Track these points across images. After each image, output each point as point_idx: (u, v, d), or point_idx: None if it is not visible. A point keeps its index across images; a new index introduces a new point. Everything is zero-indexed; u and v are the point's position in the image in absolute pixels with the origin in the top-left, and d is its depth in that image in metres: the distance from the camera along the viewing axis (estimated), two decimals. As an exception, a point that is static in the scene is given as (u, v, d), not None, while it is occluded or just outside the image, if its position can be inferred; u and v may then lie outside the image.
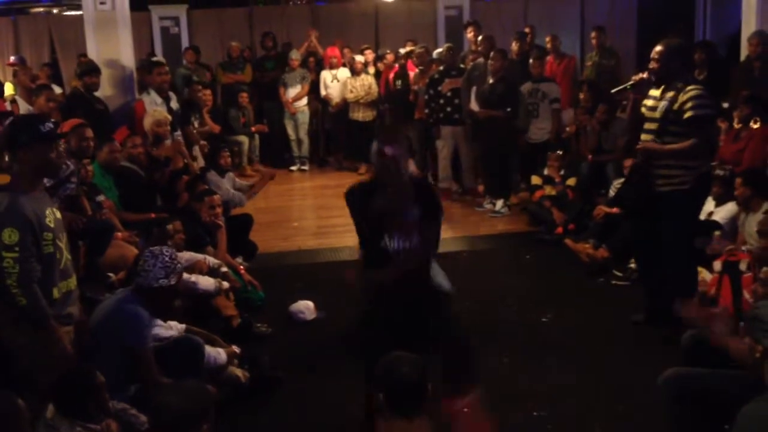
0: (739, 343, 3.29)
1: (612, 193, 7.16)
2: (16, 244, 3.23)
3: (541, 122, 8.48)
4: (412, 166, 4.55)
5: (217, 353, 4.26)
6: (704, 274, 5.45)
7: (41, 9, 13.90)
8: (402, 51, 10.69)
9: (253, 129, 10.87)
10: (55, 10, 13.88)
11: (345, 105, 10.85)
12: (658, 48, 4.86)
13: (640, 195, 4.97)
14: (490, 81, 8.33)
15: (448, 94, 8.82)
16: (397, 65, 10.35)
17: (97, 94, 7.59)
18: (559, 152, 8.04)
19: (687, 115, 4.68)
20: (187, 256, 5.35)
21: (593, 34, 9.96)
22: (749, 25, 8.38)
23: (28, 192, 3.37)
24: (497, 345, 5.07)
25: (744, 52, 8.27)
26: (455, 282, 5.01)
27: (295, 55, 10.96)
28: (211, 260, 5.46)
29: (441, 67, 9.10)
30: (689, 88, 4.73)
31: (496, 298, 5.89)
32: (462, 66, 9.21)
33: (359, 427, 3.70)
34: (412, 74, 9.98)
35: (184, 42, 12.25)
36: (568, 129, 8.41)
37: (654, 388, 3.51)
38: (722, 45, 10.45)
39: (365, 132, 10.16)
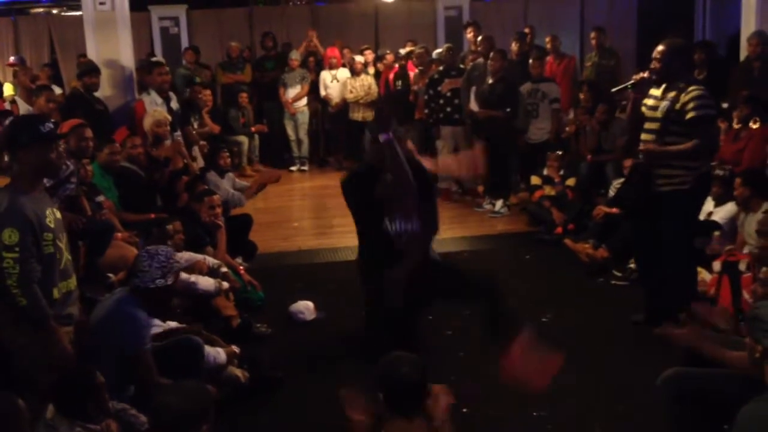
0: (733, 354, 3.28)
1: (611, 193, 7.17)
2: (17, 245, 3.23)
3: (540, 122, 8.48)
4: (410, 145, 4.58)
5: (216, 353, 4.26)
6: (704, 275, 5.45)
7: (41, 9, 13.90)
8: (402, 51, 10.70)
9: (252, 129, 10.88)
10: (54, 11, 13.89)
11: (345, 105, 10.85)
12: (660, 47, 4.85)
13: (640, 195, 4.97)
14: (490, 81, 8.33)
15: (448, 94, 8.83)
16: (397, 65, 10.36)
17: (96, 94, 7.60)
18: (559, 152, 8.04)
19: (689, 115, 4.68)
20: (186, 256, 5.34)
21: (593, 35, 9.96)
22: (749, 25, 8.39)
23: (28, 192, 3.37)
24: (496, 346, 5.05)
25: (743, 52, 8.27)
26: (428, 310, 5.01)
27: (295, 56, 10.97)
28: (211, 260, 5.46)
29: (441, 68, 9.11)
30: (691, 88, 4.73)
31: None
32: (462, 66, 9.22)
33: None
34: (412, 74, 9.98)
35: (184, 42, 12.26)
36: (567, 129, 8.42)
37: (654, 388, 3.51)
38: (722, 45, 10.46)
39: (365, 132, 10.17)
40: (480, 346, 5.06)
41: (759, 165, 6.53)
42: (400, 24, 12.93)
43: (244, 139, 10.71)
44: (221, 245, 5.92)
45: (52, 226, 3.40)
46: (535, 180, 8.05)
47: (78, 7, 10.71)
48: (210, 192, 6.21)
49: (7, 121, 5.93)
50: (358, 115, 10.65)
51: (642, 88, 5.04)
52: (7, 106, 8.16)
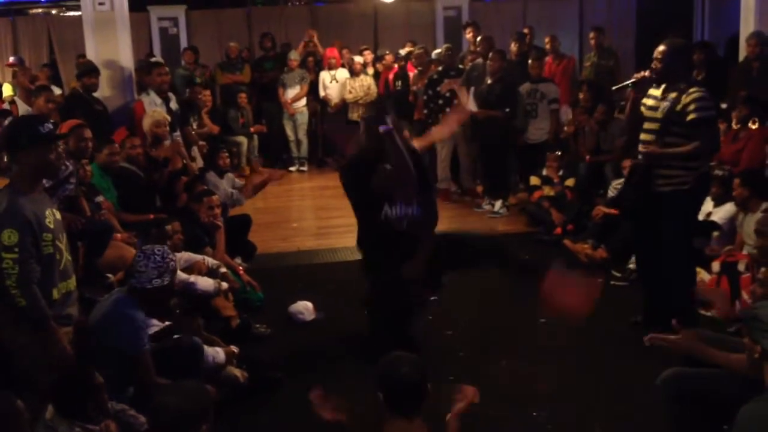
0: (731, 356, 3.29)
1: (610, 193, 7.17)
2: (16, 245, 3.23)
3: (539, 123, 8.48)
4: (406, 134, 4.64)
5: (215, 352, 4.26)
6: (703, 275, 5.45)
7: (40, 10, 13.89)
8: (402, 52, 10.70)
9: (252, 129, 10.87)
10: (53, 11, 13.88)
11: (344, 105, 10.85)
12: (661, 47, 4.85)
13: (639, 195, 4.97)
14: (489, 81, 8.34)
15: (447, 94, 8.82)
16: (396, 66, 10.35)
17: (96, 94, 7.59)
18: (558, 153, 8.05)
19: (690, 117, 4.68)
20: (185, 256, 5.35)
21: (592, 35, 9.97)
22: (747, 25, 8.40)
23: (27, 193, 3.37)
24: (496, 346, 5.07)
25: (742, 52, 8.28)
26: (454, 283, 5.06)
27: (294, 56, 10.98)
28: (210, 261, 5.45)
29: (440, 68, 9.11)
30: (692, 90, 4.73)
31: (495, 299, 5.88)
32: (461, 66, 9.22)
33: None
34: (411, 75, 9.98)
35: (183, 42, 12.27)
36: (566, 128, 8.43)
37: (653, 388, 3.51)
38: (720, 46, 10.47)
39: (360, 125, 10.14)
40: (480, 346, 5.07)
41: (758, 165, 6.53)
42: (399, 24, 12.94)
43: (243, 139, 10.71)
44: (220, 246, 5.92)
45: (51, 226, 3.40)
46: (534, 180, 8.05)
47: (77, 8, 10.72)
48: (209, 192, 6.21)
49: (6, 121, 5.94)
50: (357, 115, 10.65)
51: (642, 87, 5.04)
52: (6, 106, 8.16)
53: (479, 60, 8.86)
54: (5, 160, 4.32)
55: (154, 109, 7.26)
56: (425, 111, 9.08)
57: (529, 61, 8.73)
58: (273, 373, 4.60)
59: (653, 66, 4.90)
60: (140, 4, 11.56)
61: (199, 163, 7.80)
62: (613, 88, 5.92)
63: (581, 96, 8.44)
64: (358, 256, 5.27)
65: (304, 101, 11.01)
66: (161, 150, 6.65)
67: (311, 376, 4.69)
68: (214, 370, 4.20)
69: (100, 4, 8.23)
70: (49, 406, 3.08)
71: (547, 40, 10.08)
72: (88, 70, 7.51)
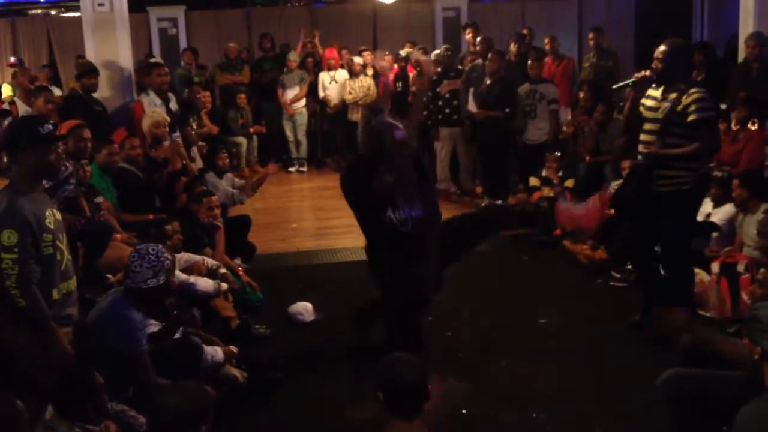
0: (731, 344, 3.29)
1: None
2: (15, 246, 3.22)
3: (538, 123, 8.47)
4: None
5: (214, 351, 4.25)
6: (702, 276, 5.45)
7: (39, 10, 13.90)
8: (402, 53, 10.70)
9: (251, 130, 10.87)
10: (53, 12, 13.88)
11: (343, 106, 10.86)
12: (662, 47, 4.85)
13: (639, 196, 4.98)
14: (488, 82, 8.34)
15: (447, 95, 8.83)
16: (397, 66, 10.35)
17: (95, 95, 7.59)
18: (557, 153, 8.05)
19: (691, 118, 4.68)
20: (185, 257, 5.35)
21: (591, 35, 9.96)
22: (747, 26, 8.40)
23: (27, 193, 3.37)
24: (496, 347, 5.07)
25: (742, 53, 8.28)
26: (454, 283, 5.06)
27: (294, 57, 10.97)
28: (210, 261, 5.45)
29: (439, 69, 9.11)
30: (693, 90, 4.73)
31: (495, 300, 5.89)
32: (460, 67, 9.22)
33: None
34: (411, 76, 9.98)
35: (182, 43, 12.27)
36: (564, 129, 8.43)
37: (653, 389, 3.51)
38: (720, 46, 10.47)
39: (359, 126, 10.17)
40: (480, 347, 5.08)
41: (757, 166, 6.54)
42: (399, 25, 12.94)
43: (242, 140, 10.70)
44: (220, 246, 5.92)
45: (51, 227, 3.40)
46: (533, 181, 8.05)
47: (76, 8, 10.73)
48: (209, 193, 6.21)
49: (6, 121, 5.95)
50: (357, 116, 10.65)
51: (642, 87, 5.05)
52: (5, 106, 8.16)
53: (479, 61, 8.86)
54: (5, 160, 4.33)
55: (153, 109, 7.26)
56: (425, 112, 9.08)
57: (529, 62, 8.73)
58: (272, 373, 4.60)
59: (654, 66, 4.90)
60: (140, 5, 11.56)
61: (199, 163, 7.80)
62: (614, 87, 5.93)
63: (581, 96, 8.44)
64: (357, 256, 5.28)
65: (303, 102, 11.01)
66: (161, 150, 6.64)
67: (311, 376, 4.70)
68: (213, 369, 4.20)
69: (100, 4, 8.23)
70: (49, 407, 3.07)
71: (546, 40, 10.08)
72: (88, 71, 7.51)
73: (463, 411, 4.18)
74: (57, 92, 9.90)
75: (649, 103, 4.98)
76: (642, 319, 5.22)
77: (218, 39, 12.68)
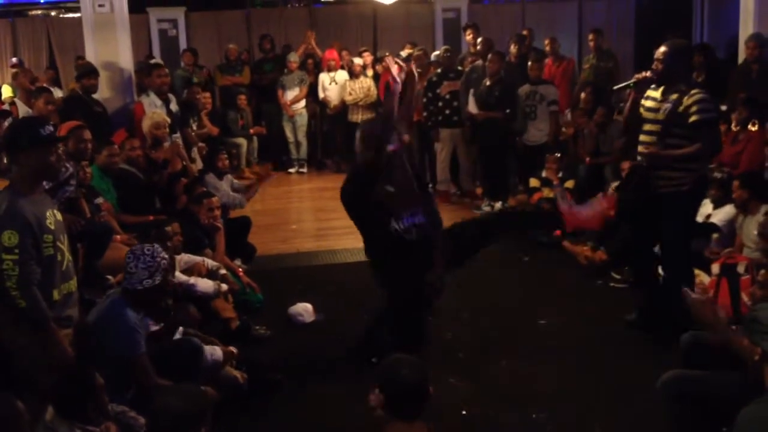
0: (740, 338, 3.28)
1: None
2: (16, 246, 3.22)
3: (538, 124, 8.48)
4: (406, 137, 4.67)
5: (213, 350, 4.23)
6: (702, 277, 5.46)
7: (39, 11, 13.90)
8: (403, 54, 10.69)
9: (251, 131, 10.88)
10: (53, 13, 13.88)
11: (343, 107, 10.86)
12: (663, 48, 4.86)
13: (639, 197, 4.98)
14: (487, 83, 8.34)
15: (447, 96, 8.83)
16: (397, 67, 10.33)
17: (95, 96, 7.59)
18: (557, 155, 8.05)
19: (693, 119, 4.68)
20: (185, 258, 5.35)
21: (591, 37, 9.96)
22: (747, 27, 8.41)
23: (27, 194, 3.37)
24: (496, 347, 5.07)
25: (742, 55, 8.28)
26: (454, 284, 5.05)
27: (294, 58, 10.97)
28: (210, 262, 5.46)
29: (439, 70, 9.11)
30: (694, 91, 4.74)
31: (495, 301, 5.89)
32: (460, 68, 9.22)
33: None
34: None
35: (182, 44, 12.27)
36: (564, 130, 8.44)
37: (654, 389, 3.51)
38: (720, 48, 10.48)
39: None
40: (480, 347, 5.08)
41: (757, 167, 6.54)
42: (399, 26, 12.94)
43: (242, 141, 10.71)
44: (220, 247, 5.92)
45: (52, 227, 3.40)
46: (533, 182, 8.05)
47: (76, 9, 10.73)
48: (209, 194, 6.21)
49: (6, 122, 5.95)
50: (357, 116, 10.64)
51: (643, 88, 5.05)
52: (6, 107, 8.16)
53: (479, 62, 8.87)
54: (5, 161, 4.33)
55: (153, 110, 7.26)
56: (424, 113, 9.08)
57: (529, 63, 8.74)
58: (272, 374, 4.60)
59: (654, 67, 4.90)
60: (140, 6, 11.56)
61: (199, 164, 7.80)
62: (614, 88, 5.93)
63: (582, 98, 8.45)
64: (357, 257, 5.27)
65: (303, 103, 11.01)
66: (161, 151, 6.65)
67: (311, 377, 4.70)
68: (212, 369, 4.19)
69: (100, 5, 8.23)
70: (49, 408, 3.08)
71: (546, 41, 10.09)
72: (87, 72, 7.51)
73: (464, 412, 4.18)
74: (58, 93, 9.92)
75: (648, 104, 4.98)
76: (637, 318, 5.23)
77: (218, 40, 12.69)
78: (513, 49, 9.42)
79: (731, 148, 6.72)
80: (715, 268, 5.41)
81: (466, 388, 4.47)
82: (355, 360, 4.69)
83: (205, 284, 5.09)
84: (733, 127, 6.89)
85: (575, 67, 10.31)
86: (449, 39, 12.09)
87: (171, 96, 7.87)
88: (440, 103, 8.85)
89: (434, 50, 10.98)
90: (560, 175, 7.86)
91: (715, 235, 5.99)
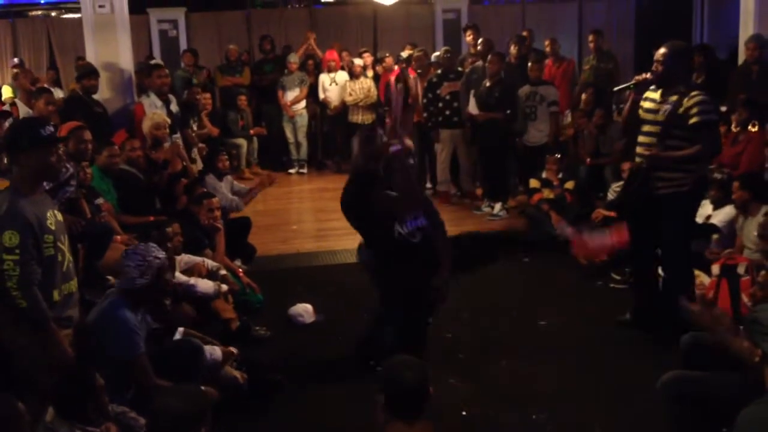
0: (740, 341, 3.28)
1: (610, 196, 7.18)
2: (17, 247, 3.23)
3: (539, 125, 8.48)
4: (408, 142, 4.68)
5: (212, 350, 4.24)
6: (702, 278, 5.45)
7: (40, 12, 13.90)
8: (403, 54, 10.70)
9: (251, 132, 10.88)
10: (53, 13, 13.88)
11: (343, 108, 10.86)
12: (662, 50, 4.86)
13: (640, 198, 4.99)
14: (487, 84, 8.34)
15: (447, 97, 8.82)
16: (398, 68, 10.35)
17: (95, 97, 7.58)
18: (557, 155, 8.05)
19: (693, 120, 4.69)
20: (185, 258, 5.36)
21: (591, 38, 9.96)
22: (747, 28, 8.41)
23: (28, 195, 3.37)
24: (496, 347, 5.08)
25: (742, 56, 8.29)
26: (454, 284, 5.04)
27: (294, 58, 10.97)
28: (210, 263, 5.46)
29: (439, 71, 9.11)
30: (693, 93, 4.74)
31: (495, 301, 5.89)
32: (460, 69, 9.22)
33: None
34: (412, 77, 9.98)
35: (183, 45, 12.28)
36: (564, 131, 8.44)
37: (653, 391, 3.51)
38: (720, 49, 10.49)
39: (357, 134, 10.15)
40: (480, 347, 5.08)
41: (757, 168, 6.54)
42: (399, 27, 12.94)
43: (242, 141, 10.71)
44: (220, 248, 5.92)
45: (52, 228, 3.40)
46: (533, 183, 8.05)
47: (77, 10, 10.73)
48: (209, 195, 6.21)
49: (6, 123, 5.95)
50: (358, 117, 10.65)
51: (643, 89, 5.05)
52: (6, 108, 8.17)
53: (479, 63, 8.87)
54: (5, 161, 4.33)
55: (153, 111, 7.26)
56: (425, 114, 9.09)
57: (529, 64, 8.74)
58: (273, 375, 4.60)
59: (654, 68, 4.91)
60: (140, 7, 11.56)
61: (199, 165, 7.80)
62: (614, 89, 5.93)
63: (583, 99, 8.45)
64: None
65: (303, 104, 11.01)
66: (161, 152, 6.65)
67: (311, 378, 4.70)
68: (211, 369, 4.19)
69: (100, 6, 8.23)
70: (50, 408, 3.08)
71: (547, 42, 10.09)
72: (88, 72, 7.50)
73: (464, 412, 4.18)
74: (59, 94, 9.92)
75: (647, 105, 4.99)
76: (630, 318, 5.23)
77: (218, 41, 12.70)
78: (513, 50, 9.42)
79: (731, 149, 6.72)
80: (715, 268, 5.41)
81: (466, 389, 4.47)
82: (355, 361, 4.69)
83: (205, 285, 5.09)
84: (733, 128, 6.89)
85: (575, 68, 10.32)
86: (449, 40, 12.09)
87: (171, 97, 7.87)
88: (440, 104, 8.85)
89: (434, 51, 10.98)
90: (560, 175, 7.86)
91: (715, 236, 5.99)
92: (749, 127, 6.73)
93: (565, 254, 6.74)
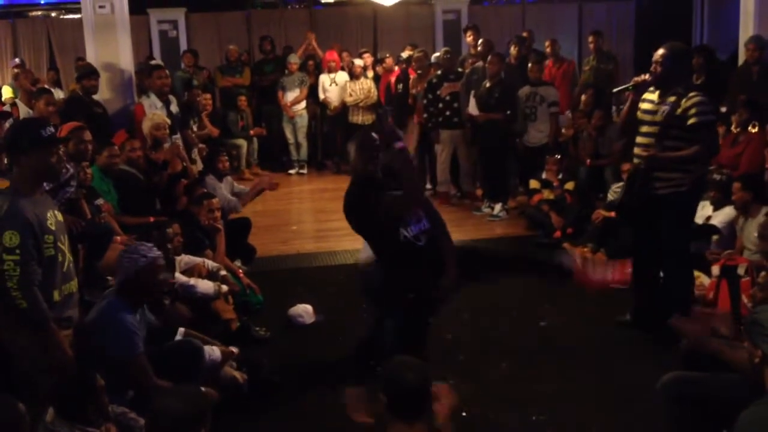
0: (734, 351, 3.29)
1: (610, 197, 7.18)
2: (17, 247, 3.23)
3: (539, 126, 8.49)
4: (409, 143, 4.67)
5: (211, 350, 4.23)
6: (702, 279, 5.46)
7: (40, 12, 13.90)
8: (404, 55, 10.70)
9: (251, 132, 10.89)
10: (53, 13, 13.88)
11: (343, 108, 10.86)
12: (661, 51, 4.87)
13: (640, 198, 4.99)
14: (487, 85, 8.35)
15: (447, 98, 8.82)
16: (398, 69, 10.36)
17: (96, 97, 7.58)
18: (557, 156, 8.06)
19: (691, 121, 4.70)
20: (185, 259, 5.36)
21: (591, 39, 9.98)
22: (747, 29, 8.41)
23: (28, 195, 3.37)
24: (496, 349, 5.08)
25: (742, 56, 8.29)
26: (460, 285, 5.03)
27: (294, 59, 10.98)
28: (210, 264, 5.46)
29: (439, 72, 9.11)
30: (692, 94, 4.75)
31: (495, 301, 5.89)
32: (460, 70, 9.23)
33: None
34: (412, 78, 9.99)
35: (183, 45, 12.29)
36: (564, 131, 8.44)
37: (653, 391, 3.51)
38: (720, 49, 10.49)
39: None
40: (480, 349, 5.08)
41: (757, 169, 6.54)
42: (399, 27, 12.95)
43: (242, 142, 10.72)
44: (220, 248, 5.92)
45: (53, 228, 3.40)
46: (533, 184, 8.06)
47: (77, 10, 10.72)
48: (209, 195, 6.20)
49: (7, 123, 5.95)
50: (358, 118, 10.66)
51: (642, 91, 5.06)
52: (6, 108, 8.17)
53: (479, 63, 8.87)
54: (5, 162, 4.34)
55: (153, 111, 7.26)
56: (425, 115, 9.09)
57: (529, 65, 8.74)
58: (272, 375, 4.60)
59: (652, 69, 4.91)
60: (140, 7, 11.56)
61: (199, 165, 7.80)
62: (614, 90, 5.95)
63: (583, 100, 8.45)
64: (357, 258, 5.27)
65: (303, 104, 11.02)
66: (161, 153, 6.65)
67: (311, 378, 4.70)
68: (211, 369, 4.19)
69: (101, 6, 8.23)
70: (50, 409, 3.08)
71: (547, 43, 10.10)
72: (88, 73, 7.50)
73: (463, 413, 4.17)
74: (59, 94, 9.92)
75: (645, 106, 4.99)
76: (629, 319, 5.23)
77: (218, 41, 12.70)
78: (513, 50, 9.44)
79: (731, 149, 6.72)
80: (715, 269, 5.41)
81: (466, 389, 4.46)
82: (356, 362, 4.68)
83: (205, 285, 5.09)
84: (733, 129, 6.89)
85: (575, 69, 10.32)
86: (449, 40, 12.09)
87: (171, 97, 7.87)
88: (440, 105, 8.85)
89: (434, 52, 10.97)
90: (560, 176, 7.87)
91: (715, 237, 5.99)
92: (749, 128, 6.73)
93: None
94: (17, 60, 11.43)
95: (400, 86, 9.94)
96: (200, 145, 8.19)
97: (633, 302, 5.32)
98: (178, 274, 5.04)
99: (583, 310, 5.66)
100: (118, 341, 3.72)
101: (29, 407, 2.91)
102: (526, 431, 4.10)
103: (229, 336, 5.00)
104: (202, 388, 3.41)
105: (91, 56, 8.38)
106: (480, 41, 9.22)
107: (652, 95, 4.97)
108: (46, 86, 9.16)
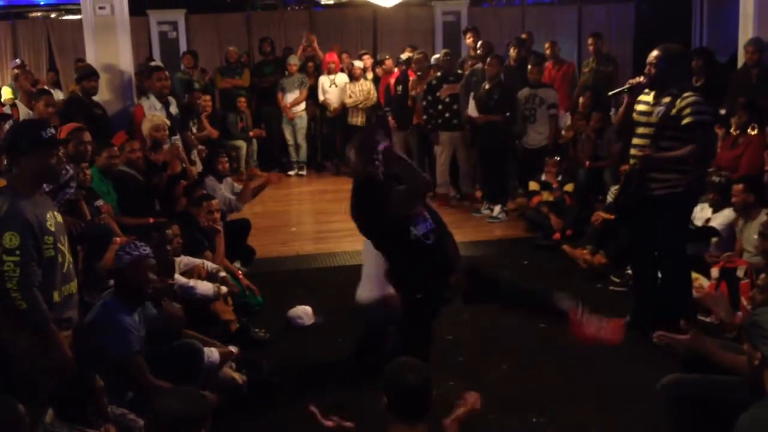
0: (732, 356, 3.30)
1: (609, 198, 7.18)
2: (17, 248, 3.23)
3: (538, 128, 8.49)
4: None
5: (209, 351, 4.24)
6: (701, 281, 5.45)
7: (39, 13, 13.90)
8: (403, 57, 10.71)
9: (251, 134, 10.89)
10: (53, 15, 13.88)
11: (343, 110, 10.86)
12: (655, 53, 4.88)
13: (637, 200, 4.99)
14: (487, 86, 8.35)
15: (447, 99, 8.83)
16: (398, 70, 10.36)
17: (95, 98, 7.58)
18: (557, 158, 8.06)
19: (686, 120, 4.71)
20: (185, 260, 5.36)
21: (590, 41, 9.97)
22: (746, 31, 8.42)
23: (28, 196, 3.37)
24: (496, 351, 5.07)
25: (741, 59, 8.29)
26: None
27: (294, 60, 10.99)
28: (210, 265, 5.46)
29: (439, 73, 9.12)
30: (686, 94, 4.76)
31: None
32: (460, 72, 9.23)
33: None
34: (411, 80, 9.99)
35: (182, 47, 12.29)
36: (563, 133, 8.45)
37: (653, 393, 3.51)
38: (720, 52, 10.49)
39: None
40: (480, 351, 5.08)
41: (757, 171, 6.54)
42: (399, 29, 12.95)
43: (242, 143, 10.72)
44: (220, 250, 5.92)
45: (52, 229, 3.40)
46: (533, 185, 8.06)
47: (77, 12, 10.72)
48: (208, 197, 6.21)
49: (6, 125, 5.94)
50: (357, 119, 10.66)
51: (637, 93, 5.07)
52: (6, 110, 8.15)
53: (479, 65, 8.88)
54: (4, 163, 4.33)
55: (153, 113, 7.26)
56: (424, 116, 9.09)
57: (528, 67, 8.75)
58: (272, 377, 4.60)
59: (647, 71, 4.93)
60: (140, 8, 11.57)
61: (199, 167, 7.80)
62: (610, 93, 5.96)
63: (581, 102, 8.45)
64: (357, 260, 5.26)
65: (303, 105, 11.02)
66: (160, 154, 6.65)
67: (310, 380, 4.70)
68: (210, 370, 4.18)
69: (101, 7, 8.23)
70: (49, 410, 3.08)
71: (547, 45, 10.11)
72: (88, 74, 7.50)
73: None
74: (59, 95, 9.92)
75: (641, 108, 5.00)
76: (632, 321, 5.23)
77: (218, 43, 12.70)
78: (513, 52, 9.44)
79: (730, 151, 6.73)
80: (715, 272, 5.41)
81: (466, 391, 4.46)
82: (355, 363, 4.68)
83: (204, 287, 5.09)
84: (733, 131, 6.89)
85: (575, 71, 10.33)
86: (449, 42, 12.11)
87: (171, 99, 7.87)
88: (440, 106, 8.85)
89: (434, 53, 10.97)
90: (560, 178, 7.88)
91: (714, 239, 5.99)
92: (749, 130, 6.73)
93: (565, 257, 6.75)
94: (17, 61, 11.42)
95: (400, 88, 9.93)
96: (200, 147, 8.19)
97: (633, 303, 5.32)
98: (177, 276, 5.04)
99: (583, 312, 5.65)
100: (114, 340, 3.73)
101: (29, 408, 2.91)
102: (526, 432, 4.10)
103: (229, 337, 5.00)
104: (203, 393, 3.40)
105: (91, 57, 8.37)
106: (480, 43, 9.23)
107: (647, 97, 4.98)
108: (45, 87, 9.15)
